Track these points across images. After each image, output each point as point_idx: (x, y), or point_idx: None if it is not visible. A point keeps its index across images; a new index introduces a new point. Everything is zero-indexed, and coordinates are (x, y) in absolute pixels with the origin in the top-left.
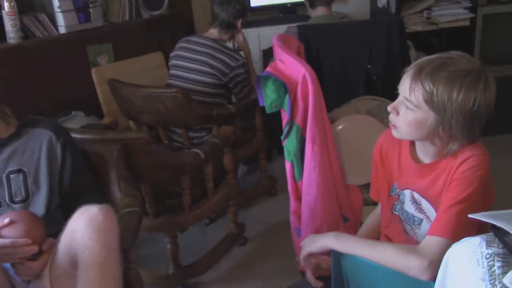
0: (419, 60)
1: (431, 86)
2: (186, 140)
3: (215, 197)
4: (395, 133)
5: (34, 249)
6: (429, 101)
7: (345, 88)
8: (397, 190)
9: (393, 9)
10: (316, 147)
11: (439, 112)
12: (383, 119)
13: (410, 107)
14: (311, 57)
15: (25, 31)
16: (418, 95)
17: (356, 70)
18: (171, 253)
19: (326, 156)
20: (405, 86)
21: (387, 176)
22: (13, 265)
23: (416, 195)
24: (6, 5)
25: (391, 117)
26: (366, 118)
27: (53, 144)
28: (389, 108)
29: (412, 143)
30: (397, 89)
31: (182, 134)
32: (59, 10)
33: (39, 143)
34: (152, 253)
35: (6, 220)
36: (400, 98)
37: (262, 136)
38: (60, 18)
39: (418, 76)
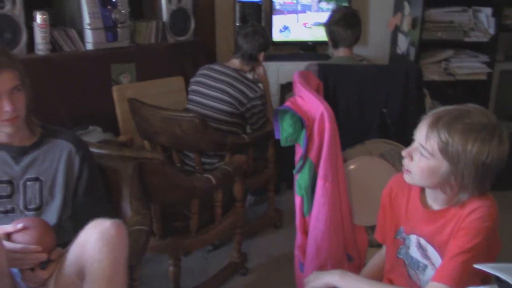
0: (437, 109)
1: (447, 136)
2: (198, 165)
3: (222, 224)
4: (407, 178)
5: (44, 257)
6: (444, 150)
7: (360, 129)
8: (403, 234)
9: (412, 57)
10: (328, 184)
11: (453, 162)
12: (395, 163)
13: (425, 154)
14: (329, 96)
15: (53, 44)
16: (433, 143)
17: (371, 113)
18: (173, 275)
19: (337, 193)
20: (421, 133)
21: (394, 219)
22: (21, 270)
23: (423, 241)
24: (39, 17)
25: (405, 162)
26: (378, 161)
27: (72, 156)
28: (403, 153)
29: (422, 189)
30: (411, 135)
31: (195, 158)
32: (88, 27)
33: (58, 154)
34: (154, 273)
35: (19, 226)
36: (415, 144)
37: (273, 168)
38: (88, 35)
39: (435, 125)
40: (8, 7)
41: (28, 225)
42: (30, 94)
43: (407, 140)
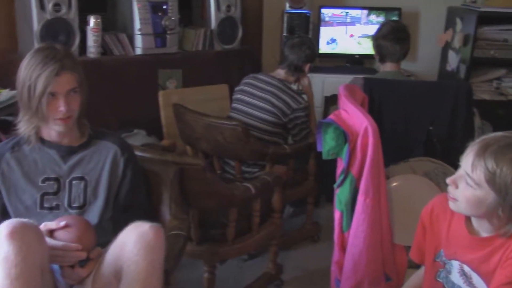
0: (485, 136)
1: (495, 166)
2: (238, 173)
3: (259, 233)
4: (452, 205)
5: (83, 255)
6: (491, 181)
7: (404, 146)
8: (444, 258)
9: (462, 74)
10: (369, 200)
11: (500, 193)
12: (440, 183)
13: (470, 184)
14: (374, 110)
15: (104, 48)
16: (480, 173)
17: (417, 130)
18: (208, 282)
19: (377, 210)
20: (467, 161)
21: (434, 240)
22: (61, 267)
23: (467, 268)
24: (92, 22)
25: (450, 189)
26: (422, 180)
27: (117, 158)
28: (448, 180)
29: None
30: (457, 154)
31: (235, 166)
32: (139, 32)
33: (104, 155)
34: (188, 278)
35: (62, 224)
36: (461, 171)
37: (313, 180)
38: (138, 40)
39: (482, 153)
40: (63, 10)
41: (70, 223)
42: (85, 97)
43: (453, 160)
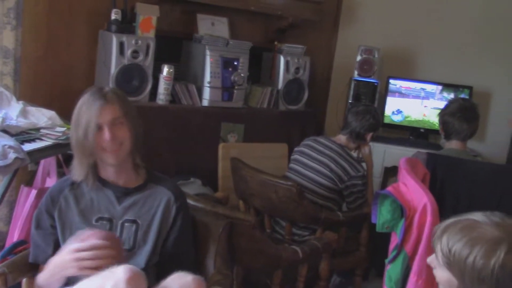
0: (452, 218)
1: (447, 248)
2: (288, 235)
3: None
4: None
5: (113, 253)
6: (448, 263)
7: None
8: None
9: None
10: (421, 281)
11: (458, 277)
12: None
13: (437, 265)
14: (435, 188)
15: (173, 96)
16: (440, 255)
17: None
18: None
19: None
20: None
21: None
22: None
23: None
24: (165, 70)
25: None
26: None
27: (170, 205)
28: (427, 260)
29: None
30: None
31: (286, 227)
32: (208, 85)
33: (158, 201)
34: None
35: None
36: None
37: (364, 252)
38: (206, 92)
39: (440, 235)
40: (141, 58)
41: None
42: (136, 130)
43: None
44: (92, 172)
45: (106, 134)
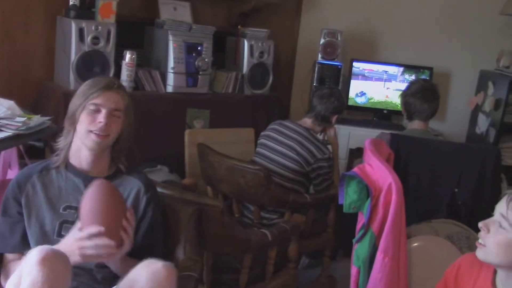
0: None
1: None
2: (256, 219)
3: (272, 282)
4: (480, 253)
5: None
6: None
7: (428, 206)
8: None
9: (491, 138)
10: (388, 259)
11: None
12: (462, 248)
13: (504, 226)
14: (399, 167)
15: (137, 83)
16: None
17: (442, 191)
18: None
19: (396, 270)
20: (502, 205)
21: None
22: None
23: None
24: (127, 57)
25: (481, 234)
26: (444, 243)
27: (140, 195)
28: (480, 224)
29: (495, 272)
30: (482, 218)
31: (254, 211)
32: (172, 71)
33: (128, 191)
34: None
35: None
36: (495, 216)
37: (331, 233)
38: (170, 78)
39: None
40: (101, 44)
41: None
42: (127, 129)
43: (477, 225)
44: (64, 153)
45: (102, 117)
